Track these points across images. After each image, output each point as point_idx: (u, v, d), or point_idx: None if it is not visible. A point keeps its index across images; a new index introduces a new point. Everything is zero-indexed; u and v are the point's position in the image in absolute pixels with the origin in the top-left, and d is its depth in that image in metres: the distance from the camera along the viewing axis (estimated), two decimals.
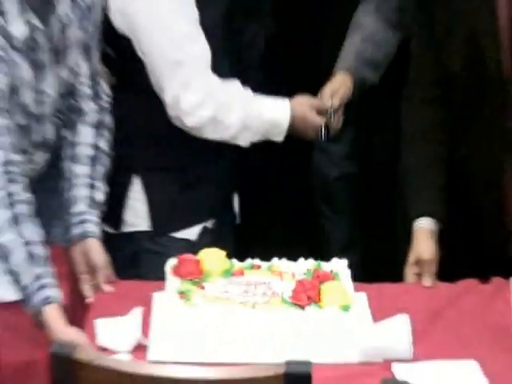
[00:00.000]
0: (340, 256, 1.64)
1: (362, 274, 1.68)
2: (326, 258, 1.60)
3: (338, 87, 1.87)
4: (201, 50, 1.72)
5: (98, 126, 1.75)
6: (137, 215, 1.81)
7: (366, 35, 1.94)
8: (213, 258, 1.53)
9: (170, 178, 1.83)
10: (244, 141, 1.80)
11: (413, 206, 1.75)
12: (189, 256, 1.54)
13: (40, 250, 1.48)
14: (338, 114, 1.85)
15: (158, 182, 1.82)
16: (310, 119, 1.82)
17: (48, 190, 1.73)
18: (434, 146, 1.77)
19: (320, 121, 1.82)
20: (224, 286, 1.48)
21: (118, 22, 1.72)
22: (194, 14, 1.72)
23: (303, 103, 1.83)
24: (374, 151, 2.30)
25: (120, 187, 1.79)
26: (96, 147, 1.71)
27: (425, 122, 1.78)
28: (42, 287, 1.45)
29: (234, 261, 1.54)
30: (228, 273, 1.50)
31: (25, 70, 1.57)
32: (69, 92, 1.73)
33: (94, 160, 1.71)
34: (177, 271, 1.48)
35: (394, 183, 2.07)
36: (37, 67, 1.59)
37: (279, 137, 1.81)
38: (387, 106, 2.05)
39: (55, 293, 1.46)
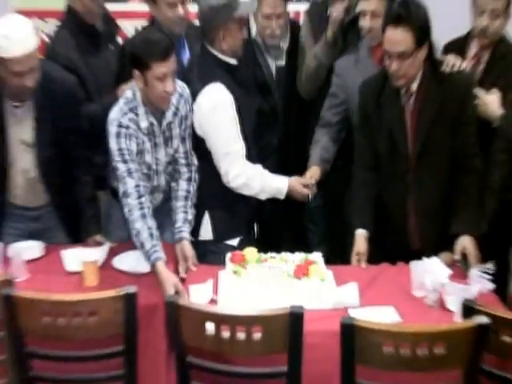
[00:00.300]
0: (318, 250, 2.70)
1: (330, 261, 2.60)
2: (310, 251, 2.61)
3: (314, 173, 2.95)
4: (240, 146, 2.75)
5: (190, 180, 2.80)
6: (206, 231, 2.85)
7: (323, 147, 3.05)
8: (250, 252, 2.54)
9: (225, 211, 2.86)
10: (262, 197, 2.86)
11: (354, 221, 2.74)
12: (237, 252, 2.56)
13: (155, 233, 2.51)
14: (314, 186, 2.90)
15: (218, 213, 2.86)
16: (299, 190, 2.88)
17: (162, 212, 2.80)
18: (366, 190, 2.76)
19: (306, 191, 2.88)
20: (257, 268, 2.44)
21: (197, 129, 2.77)
22: (237, 126, 2.74)
23: (295, 181, 2.88)
24: (332, 196, 3.39)
25: (198, 215, 2.81)
26: (188, 191, 2.77)
27: (363, 179, 2.77)
28: (155, 251, 2.47)
29: (262, 254, 2.53)
30: (259, 260, 2.49)
31: (147, 144, 2.65)
32: (174, 160, 2.77)
33: (186, 199, 2.76)
34: (231, 259, 2.50)
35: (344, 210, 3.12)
36: (154, 145, 2.67)
37: (281, 197, 2.86)
38: (342, 175, 3.10)
39: (162, 254, 2.47)
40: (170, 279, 2.39)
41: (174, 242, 2.69)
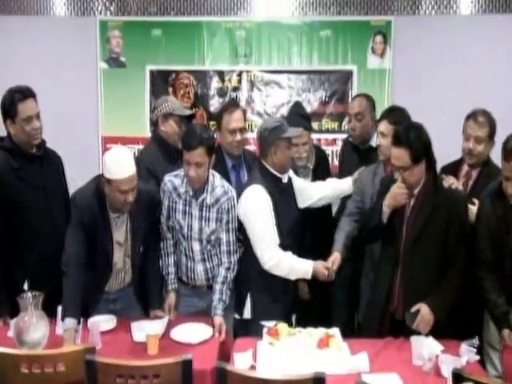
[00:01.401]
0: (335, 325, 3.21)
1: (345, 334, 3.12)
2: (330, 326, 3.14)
3: (336, 259, 3.40)
4: (273, 236, 3.31)
5: (228, 269, 3.34)
6: (247, 311, 3.36)
7: (346, 235, 3.52)
8: (282, 327, 3.06)
9: (265, 295, 3.35)
10: (292, 277, 3.37)
11: None
12: (272, 326, 3.08)
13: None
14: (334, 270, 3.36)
15: (258, 297, 3.37)
16: (322, 273, 3.31)
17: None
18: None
19: (327, 274, 3.30)
20: (288, 340, 2.97)
21: (241, 217, 3.34)
22: (272, 220, 3.29)
23: (319, 265, 3.32)
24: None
25: (241, 295, 3.36)
26: (225, 278, 3.32)
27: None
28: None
29: (291, 328, 3.05)
30: (289, 334, 3.03)
31: (180, 206, 3.31)
32: (217, 245, 3.34)
33: (223, 284, 3.31)
34: (268, 333, 3.03)
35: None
36: (190, 215, 3.30)
37: (308, 277, 3.35)
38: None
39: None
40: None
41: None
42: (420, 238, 3.06)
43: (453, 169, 3.54)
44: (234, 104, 4.27)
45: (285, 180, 3.46)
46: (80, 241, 3.11)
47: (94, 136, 5.13)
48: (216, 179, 3.36)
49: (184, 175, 3.30)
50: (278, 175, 3.43)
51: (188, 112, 3.91)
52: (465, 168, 3.55)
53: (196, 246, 3.37)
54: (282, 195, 3.40)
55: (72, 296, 3.03)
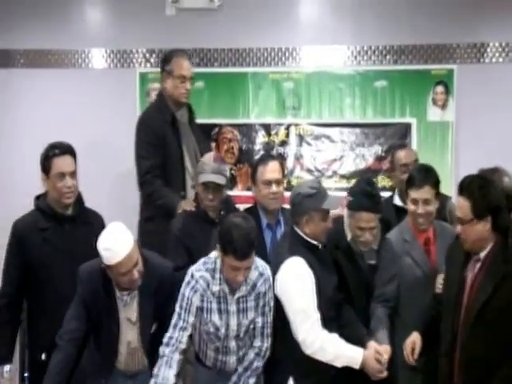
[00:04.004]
0: None
1: None
2: None
3: (387, 351, 2.96)
4: (316, 315, 2.90)
5: (258, 355, 2.98)
6: None
7: (386, 323, 3.14)
8: None
9: (308, 381, 2.95)
10: (337, 364, 2.92)
11: None
12: None
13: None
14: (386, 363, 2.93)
15: (301, 382, 2.96)
16: (372, 365, 2.90)
17: None
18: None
19: (378, 367, 2.89)
20: None
21: (279, 295, 2.96)
22: (314, 297, 2.90)
23: (370, 353, 2.90)
24: None
25: (283, 379, 2.93)
26: (251, 363, 2.99)
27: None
28: None
29: None
30: None
31: (214, 306, 2.91)
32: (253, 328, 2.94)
33: (246, 369, 3.00)
34: None
35: None
36: (226, 311, 2.91)
37: (356, 367, 2.90)
38: None
39: None
40: None
41: None
42: (485, 310, 2.71)
43: None
44: (269, 155, 4.12)
45: (321, 245, 3.10)
46: (79, 317, 2.97)
47: (134, 194, 4.81)
48: None
49: (215, 269, 2.91)
50: (314, 243, 3.05)
51: (211, 178, 3.40)
52: None
53: (232, 343, 2.99)
54: (322, 263, 3.04)
55: (54, 373, 2.92)
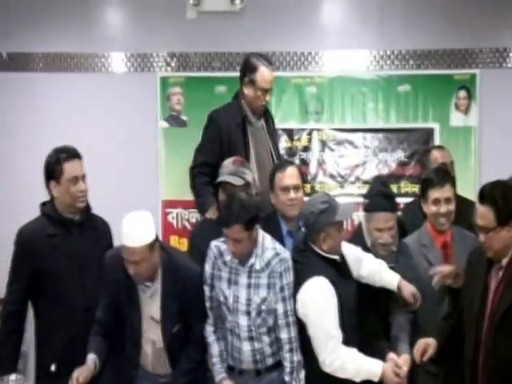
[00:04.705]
0: None
1: None
2: None
3: (406, 362, 2.92)
4: (338, 334, 2.87)
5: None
6: None
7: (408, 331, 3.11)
8: None
9: None
10: (357, 379, 2.89)
11: None
12: None
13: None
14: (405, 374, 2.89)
15: None
16: (391, 378, 2.87)
17: None
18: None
19: (397, 380, 2.87)
20: None
21: (301, 316, 2.95)
22: (336, 316, 2.88)
23: (389, 366, 2.87)
24: None
25: None
26: (292, 360, 2.97)
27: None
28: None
29: None
30: None
31: (224, 275, 2.99)
32: (267, 313, 2.93)
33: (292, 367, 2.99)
34: None
35: None
36: (236, 283, 2.96)
37: (376, 380, 2.88)
38: None
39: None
40: None
41: None
42: (508, 316, 2.67)
43: None
44: (287, 161, 4.15)
45: (338, 257, 3.09)
46: (106, 307, 3.04)
47: (153, 200, 4.76)
48: (266, 241, 3.03)
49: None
50: (333, 257, 3.04)
51: (226, 178, 3.39)
52: None
53: (243, 321, 2.98)
54: (341, 276, 3.03)
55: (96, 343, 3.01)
